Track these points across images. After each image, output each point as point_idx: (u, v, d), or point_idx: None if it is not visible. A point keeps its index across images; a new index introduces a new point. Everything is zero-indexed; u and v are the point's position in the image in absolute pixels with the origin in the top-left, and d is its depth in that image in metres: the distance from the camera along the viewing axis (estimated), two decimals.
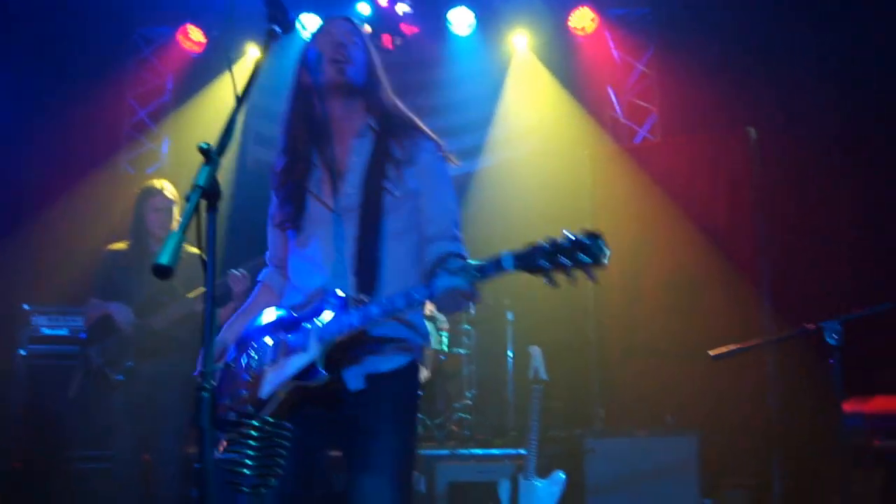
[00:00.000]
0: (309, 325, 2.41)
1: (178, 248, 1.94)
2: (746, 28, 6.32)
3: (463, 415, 6.05)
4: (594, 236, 2.04)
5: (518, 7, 7.11)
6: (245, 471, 2.38)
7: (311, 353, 2.35)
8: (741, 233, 5.97)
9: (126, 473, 4.65)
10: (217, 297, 4.59)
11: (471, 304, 2.30)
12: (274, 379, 2.41)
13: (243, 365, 2.54)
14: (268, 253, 2.86)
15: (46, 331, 5.74)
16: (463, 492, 5.12)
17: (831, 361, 3.18)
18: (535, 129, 7.24)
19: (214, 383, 2.01)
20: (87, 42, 6.63)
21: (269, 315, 2.62)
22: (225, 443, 2.44)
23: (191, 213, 1.99)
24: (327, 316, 2.38)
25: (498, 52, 7.27)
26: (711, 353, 3.45)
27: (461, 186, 7.21)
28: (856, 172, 5.74)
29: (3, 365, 5.72)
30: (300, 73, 2.67)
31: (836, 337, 3.18)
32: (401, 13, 7.02)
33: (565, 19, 7.04)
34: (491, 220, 6.71)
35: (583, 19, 6.99)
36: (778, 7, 6.21)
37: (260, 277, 2.87)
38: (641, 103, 7.03)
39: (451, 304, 2.30)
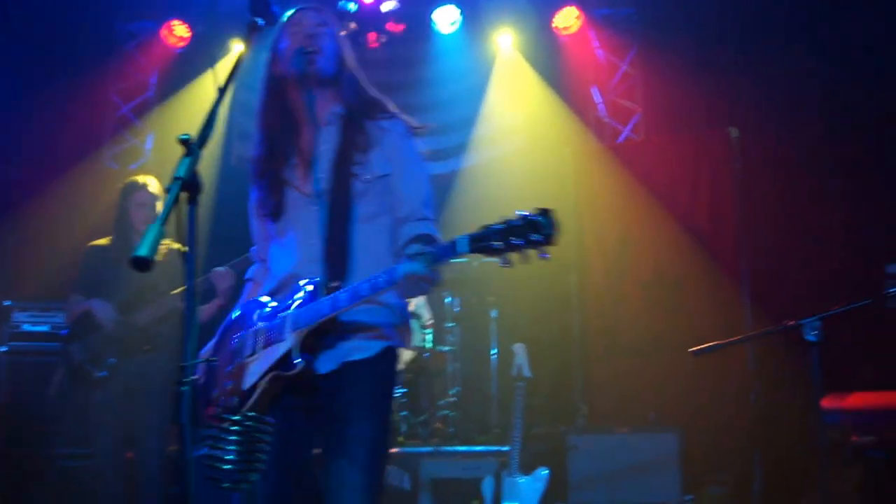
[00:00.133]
0: (283, 314, 2.44)
1: (158, 240, 1.95)
2: (729, 29, 6.36)
3: (447, 412, 6.06)
4: (544, 212, 2.06)
5: (503, 6, 7.12)
6: (225, 466, 2.40)
7: (287, 342, 2.38)
8: (722, 231, 6.02)
9: (108, 471, 4.62)
10: (202, 293, 4.59)
11: (431, 286, 2.30)
12: (255, 370, 2.44)
13: (227, 356, 2.56)
14: (253, 248, 2.88)
15: (28, 327, 5.71)
16: (447, 488, 5.13)
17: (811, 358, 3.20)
18: (520, 128, 7.26)
19: (194, 378, 2.01)
20: (69, 36, 6.59)
21: (248, 305, 2.65)
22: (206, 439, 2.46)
23: (171, 205, 1.99)
24: (299, 304, 2.41)
25: (483, 51, 7.28)
26: (692, 349, 3.47)
27: (446, 184, 7.22)
28: (835, 172, 5.80)
29: None
30: (271, 63, 2.69)
31: (815, 333, 3.21)
32: (386, 10, 7.02)
33: (550, 18, 7.06)
34: (475, 219, 6.68)
35: (567, 19, 7.02)
36: (760, 8, 6.26)
37: (248, 275, 2.88)
38: (625, 103, 7.07)
39: (412, 289, 2.30)
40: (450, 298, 6.42)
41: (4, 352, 5.65)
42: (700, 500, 4.91)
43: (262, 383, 2.41)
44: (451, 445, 5.62)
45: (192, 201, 2.05)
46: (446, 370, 6.32)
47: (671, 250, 6.10)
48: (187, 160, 2.04)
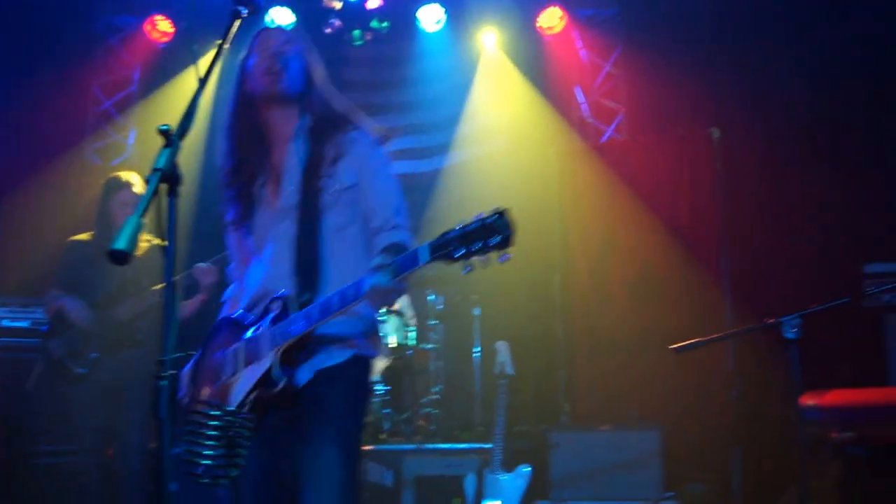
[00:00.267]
0: (259, 333, 2.49)
1: (136, 233, 1.93)
2: (712, 31, 6.41)
3: (430, 409, 6.06)
4: (500, 214, 2.04)
5: (487, 5, 7.12)
6: (204, 461, 2.42)
7: (267, 361, 2.43)
8: (704, 230, 6.05)
9: (89, 468, 4.60)
10: (185, 289, 4.57)
11: (398, 297, 2.32)
12: (239, 389, 2.48)
13: (210, 375, 2.60)
14: (231, 268, 2.89)
15: (7, 323, 5.65)
16: (429, 486, 5.14)
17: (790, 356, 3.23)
18: (504, 127, 7.27)
19: (173, 372, 2.01)
20: (52, 29, 6.53)
21: (225, 322, 2.68)
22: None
23: (150, 197, 1.98)
24: (274, 321, 2.46)
25: (467, 50, 7.28)
26: (673, 346, 3.49)
27: (429, 183, 7.22)
28: (814, 173, 5.85)
29: None
30: (240, 79, 2.73)
31: (794, 331, 3.24)
32: (371, 8, 7.01)
33: (534, 18, 7.08)
34: (459, 217, 6.70)
35: (551, 19, 7.03)
36: (743, 11, 6.30)
37: (225, 297, 2.88)
38: (608, 103, 7.09)
39: (378, 301, 2.32)
40: (433, 296, 6.43)
41: None
42: (681, 497, 4.94)
43: (248, 402, 2.45)
44: (434, 443, 5.63)
45: (172, 193, 2.03)
46: (429, 368, 6.33)
47: (654, 249, 6.14)
48: (167, 151, 2.03)
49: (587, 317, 6.37)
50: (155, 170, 2.00)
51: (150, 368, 2.00)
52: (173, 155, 2.04)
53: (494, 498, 4.68)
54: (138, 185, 4.72)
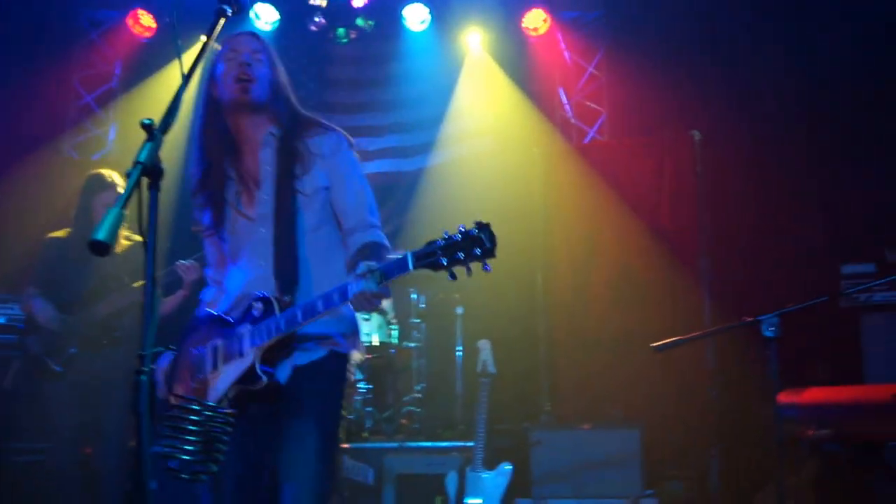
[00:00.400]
0: (240, 331, 2.55)
1: (116, 225, 1.92)
2: (694, 35, 6.46)
3: (412, 408, 6.07)
4: (483, 227, 2.17)
5: (472, 6, 7.14)
6: (184, 456, 2.43)
7: (248, 358, 2.50)
8: (684, 231, 6.11)
9: (66, 466, 4.57)
10: (168, 285, 4.54)
11: (381, 302, 2.41)
12: (220, 385, 2.54)
13: (188, 371, 2.64)
14: (208, 270, 2.93)
15: None
16: (411, 484, 5.14)
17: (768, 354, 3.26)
18: (487, 127, 7.28)
19: (153, 367, 2.01)
20: (33, 22, 6.48)
21: (204, 320, 2.72)
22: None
23: (131, 190, 1.97)
24: (255, 320, 2.52)
25: (452, 50, 7.29)
26: (653, 344, 3.51)
27: (413, 182, 7.22)
28: (793, 175, 5.91)
29: None
30: (209, 86, 2.76)
31: (773, 329, 3.26)
32: (357, 6, 7.01)
33: (519, 19, 7.10)
34: (442, 217, 6.73)
35: (536, 20, 7.06)
36: (725, 15, 6.36)
37: (202, 297, 2.92)
38: (591, 105, 7.13)
39: (364, 304, 2.39)
40: (416, 295, 6.43)
41: None
42: (660, 495, 4.97)
43: (228, 397, 2.52)
44: (416, 441, 5.63)
45: (154, 187, 2.03)
46: (412, 366, 6.33)
47: (635, 250, 6.18)
48: (149, 145, 2.03)
49: (569, 316, 6.40)
50: (137, 163, 2.00)
51: (130, 366, 1.99)
52: (155, 149, 2.04)
53: (476, 496, 4.70)
54: (121, 186, 4.67)
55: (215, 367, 2.57)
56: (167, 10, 6.94)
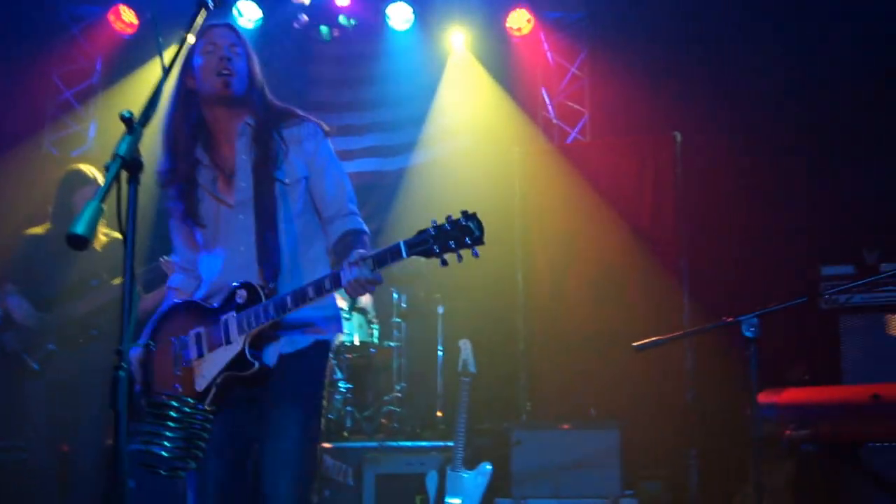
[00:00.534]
0: (225, 318, 2.57)
1: (95, 219, 1.90)
2: (676, 37, 6.49)
3: (392, 407, 6.06)
4: (471, 216, 2.29)
5: (456, 5, 7.14)
6: (163, 452, 2.44)
7: (237, 345, 2.53)
8: (664, 231, 6.15)
9: (43, 464, 4.53)
10: (149, 281, 4.50)
11: (374, 288, 2.46)
12: (207, 372, 2.56)
13: (169, 360, 2.64)
14: (175, 257, 2.92)
15: None
16: (391, 483, 5.12)
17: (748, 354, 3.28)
18: (470, 127, 7.29)
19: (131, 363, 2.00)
20: (12, 16, 6.40)
21: (181, 307, 2.73)
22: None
23: (110, 184, 1.95)
24: (240, 307, 2.55)
25: (435, 49, 7.29)
26: (634, 344, 3.52)
27: (395, 181, 7.21)
28: (773, 177, 5.95)
29: None
30: (185, 77, 2.77)
31: (752, 329, 3.28)
32: (339, 4, 6.99)
33: (502, 19, 7.11)
34: (424, 216, 6.69)
35: (519, 20, 7.07)
36: (706, 18, 6.39)
37: (171, 284, 2.92)
38: (573, 105, 7.15)
39: (357, 290, 2.44)
40: (396, 294, 6.42)
41: None
42: (638, 494, 4.99)
43: (217, 383, 2.54)
44: (396, 440, 5.63)
45: (133, 180, 2.01)
46: (392, 366, 6.33)
47: (615, 250, 6.21)
48: (128, 138, 2.01)
49: (549, 316, 6.42)
50: (116, 156, 1.98)
51: (108, 363, 1.98)
52: (135, 142, 2.02)
53: (456, 495, 4.70)
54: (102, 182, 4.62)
55: (200, 354, 2.59)
56: (149, 6, 6.89)
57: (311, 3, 6.97)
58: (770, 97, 6.04)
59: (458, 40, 7.25)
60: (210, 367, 2.56)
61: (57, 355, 4.47)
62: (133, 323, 2.00)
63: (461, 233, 2.28)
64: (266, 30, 7.02)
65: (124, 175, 2.00)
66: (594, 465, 4.97)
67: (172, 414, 2.46)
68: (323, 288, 2.45)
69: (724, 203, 6.06)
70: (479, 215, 2.29)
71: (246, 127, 2.76)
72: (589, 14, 7.05)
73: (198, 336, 2.61)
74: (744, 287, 5.57)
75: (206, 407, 2.52)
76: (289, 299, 2.48)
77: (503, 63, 7.23)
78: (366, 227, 2.77)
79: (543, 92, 7.25)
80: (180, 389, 2.59)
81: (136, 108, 2.09)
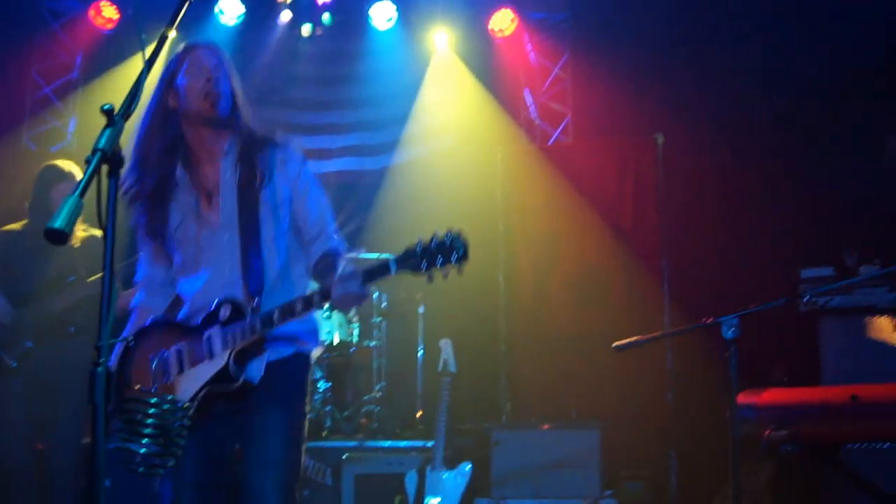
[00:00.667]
0: (208, 333, 2.61)
1: (74, 213, 1.87)
2: (658, 39, 6.52)
3: (372, 407, 6.04)
4: (457, 235, 2.39)
5: (439, 5, 7.13)
6: (141, 450, 2.43)
7: (221, 359, 2.57)
8: (645, 232, 6.19)
9: (20, 462, 4.47)
10: (129, 276, 4.44)
11: (362, 302, 2.55)
12: (189, 387, 2.59)
13: (149, 377, 2.65)
14: (139, 278, 2.93)
15: None
16: (370, 483, 5.10)
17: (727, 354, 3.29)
18: (452, 127, 7.28)
19: (110, 358, 1.99)
20: None
21: (160, 325, 2.75)
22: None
23: (90, 178, 1.93)
24: (226, 323, 2.59)
25: (418, 49, 7.28)
26: (615, 344, 3.53)
27: (377, 181, 7.20)
28: (754, 179, 5.99)
29: None
30: (166, 95, 2.76)
31: (732, 331, 3.30)
32: (322, 3, 6.97)
33: (486, 20, 7.11)
34: (405, 216, 6.73)
35: (503, 21, 7.08)
36: (688, 20, 6.43)
37: (134, 304, 2.92)
38: (556, 106, 7.16)
39: (347, 304, 2.55)
40: (377, 294, 6.40)
41: None
42: (618, 495, 5.00)
43: (199, 398, 2.57)
44: (376, 440, 5.61)
45: (113, 174, 1.99)
46: (372, 365, 6.31)
47: (597, 251, 6.24)
48: (109, 131, 1.98)
49: (530, 316, 6.43)
50: (96, 150, 1.95)
51: (86, 360, 1.95)
52: (116, 135, 1.99)
53: (436, 495, 4.69)
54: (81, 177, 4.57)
55: (181, 370, 2.62)
56: (130, 2, 6.83)
57: (293, 1, 6.94)
58: (752, 99, 6.09)
59: (442, 40, 7.25)
60: (191, 382, 2.60)
61: (34, 352, 4.42)
62: (112, 318, 1.97)
63: (447, 251, 2.36)
64: (248, 27, 6.99)
65: (104, 169, 1.97)
66: (574, 465, 4.98)
67: (151, 411, 2.44)
68: (312, 302, 2.50)
69: (707, 204, 6.09)
70: (455, 226, 2.38)
71: (232, 147, 2.78)
72: (572, 15, 7.08)
73: (179, 352, 2.64)
74: (725, 288, 5.60)
75: (185, 404, 2.52)
76: (276, 313, 2.53)
77: (486, 63, 7.24)
78: (344, 247, 2.83)
79: (526, 93, 7.27)
80: (157, 387, 2.60)
81: (117, 103, 2.06)
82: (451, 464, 4.75)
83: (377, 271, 2.44)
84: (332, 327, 5.89)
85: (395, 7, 7.04)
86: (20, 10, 6.74)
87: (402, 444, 5.56)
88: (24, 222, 4.63)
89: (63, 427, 4.47)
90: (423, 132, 7.30)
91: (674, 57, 6.45)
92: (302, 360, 2.80)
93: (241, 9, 6.91)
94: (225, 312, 2.60)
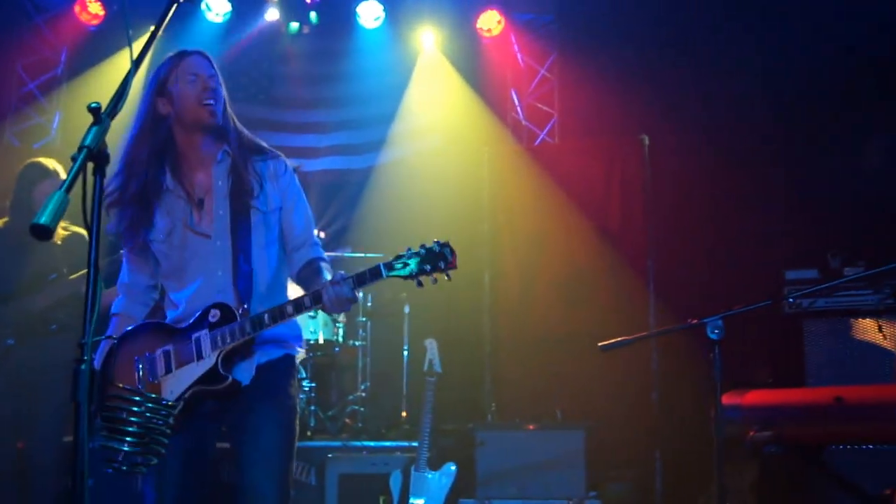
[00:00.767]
0: (196, 335, 2.63)
1: (60, 210, 1.87)
2: (645, 40, 6.55)
3: (356, 407, 6.02)
4: (444, 244, 2.53)
5: (426, 4, 7.13)
6: (124, 447, 2.46)
7: (209, 360, 2.60)
8: (631, 233, 6.21)
9: None
10: (111, 274, 4.41)
11: (352, 306, 2.62)
12: (175, 387, 2.60)
13: (134, 378, 2.65)
14: (123, 282, 2.93)
15: None
16: (354, 483, 5.09)
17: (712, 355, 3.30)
18: (439, 127, 7.29)
19: (93, 356, 1.98)
20: None
21: (146, 328, 2.76)
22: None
23: (76, 175, 1.92)
24: (215, 326, 2.63)
25: (405, 48, 7.28)
26: (600, 344, 3.53)
27: (362, 180, 7.19)
28: (740, 181, 6.03)
29: None
30: (158, 100, 2.76)
31: (717, 332, 3.31)
32: (309, 1, 6.95)
33: (473, 20, 7.12)
34: (391, 215, 6.72)
35: (490, 21, 7.08)
36: (675, 21, 6.46)
37: (115, 310, 2.91)
38: (542, 107, 7.18)
39: (337, 307, 2.58)
40: (362, 293, 6.39)
41: None
42: (603, 496, 5.01)
43: (185, 398, 2.59)
44: (360, 440, 5.60)
45: (99, 172, 1.98)
46: (357, 365, 6.30)
47: (583, 251, 6.25)
48: (95, 129, 1.97)
49: (516, 316, 6.43)
50: (83, 147, 1.94)
51: (68, 358, 1.93)
52: (102, 133, 1.98)
53: (420, 496, 4.68)
54: (64, 175, 4.53)
55: (168, 370, 2.63)
56: None
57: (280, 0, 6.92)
58: (739, 101, 6.12)
59: (429, 40, 7.25)
60: (178, 383, 2.61)
61: (16, 350, 4.38)
62: (96, 316, 1.96)
63: (436, 259, 2.50)
64: (235, 25, 6.96)
65: (90, 166, 1.96)
66: (559, 466, 4.99)
67: (135, 409, 2.47)
68: (302, 305, 2.58)
69: (693, 205, 6.12)
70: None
71: (225, 154, 2.82)
72: (559, 16, 7.10)
73: (166, 353, 2.65)
74: (712, 289, 5.63)
75: (170, 402, 2.54)
76: (266, 316, 2.59)
77: (473, 63, 7.25)
78: (325, 255, 2.93)
79: (513, 93, 7.28)
80: (142, 388, 2.60)
81: (102, 100, 2.05)
82: (435, 464, 4.75)
83: (368, 276, 2.53)
84: (316, 327, 5.87)
85: (382, 6, 7.03)
86: (4, 5, 6.68)
87: (387, 444, 5.56)
88: (4, 220, 4.59)
89: (44, 425, 4.43)
90: (410, 132, 7.29)
91: (661, 58, 6.48)
92: (290, 361, 2.85)
93: (228, 6, 6.88)
94: (214, 315, 2.64)
